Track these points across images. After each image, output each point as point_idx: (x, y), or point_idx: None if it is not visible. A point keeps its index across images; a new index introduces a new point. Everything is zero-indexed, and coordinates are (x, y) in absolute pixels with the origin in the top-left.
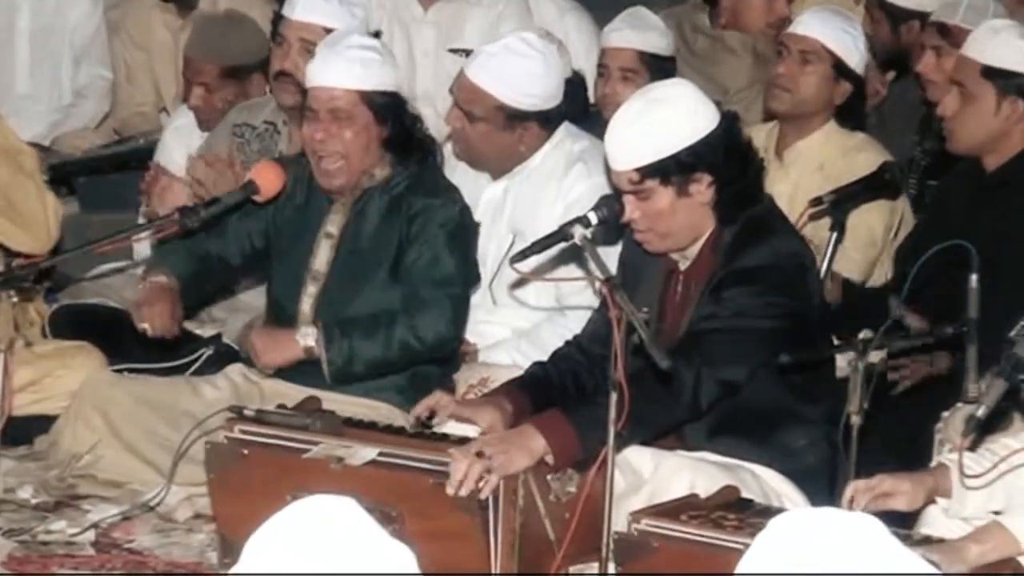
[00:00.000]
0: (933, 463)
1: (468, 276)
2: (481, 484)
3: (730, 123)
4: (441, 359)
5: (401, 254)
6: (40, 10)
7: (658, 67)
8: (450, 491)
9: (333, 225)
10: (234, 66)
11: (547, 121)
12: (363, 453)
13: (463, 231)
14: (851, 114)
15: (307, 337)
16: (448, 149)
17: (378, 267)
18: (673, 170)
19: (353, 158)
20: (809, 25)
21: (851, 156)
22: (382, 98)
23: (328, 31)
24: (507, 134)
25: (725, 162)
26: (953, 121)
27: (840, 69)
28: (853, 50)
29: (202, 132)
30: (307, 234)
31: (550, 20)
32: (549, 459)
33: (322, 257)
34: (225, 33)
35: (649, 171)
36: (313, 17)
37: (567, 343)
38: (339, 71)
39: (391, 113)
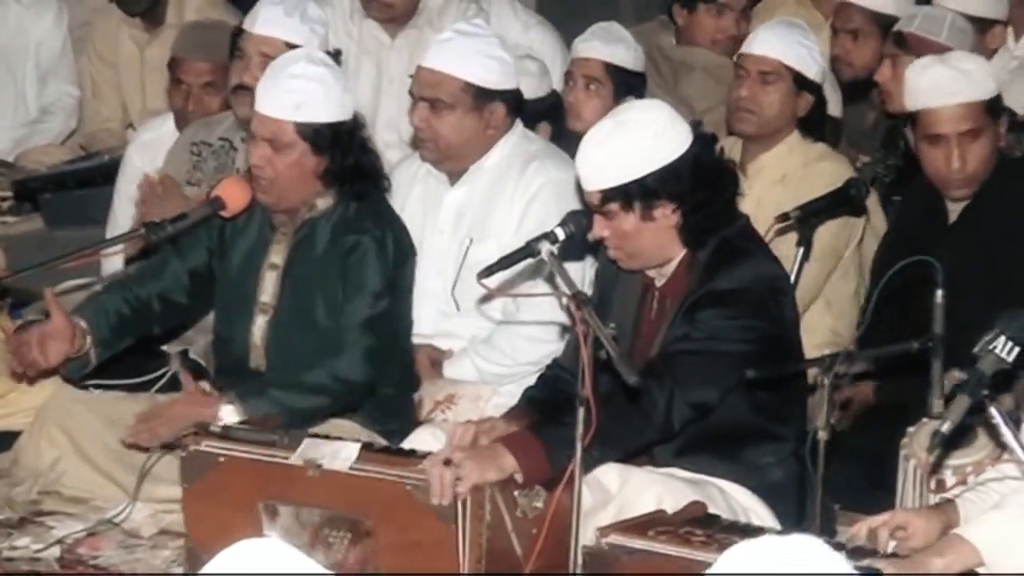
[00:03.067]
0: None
1: (395, 317)
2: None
3: (701, 147)
4: (399, 383)
5: (339, 287)
6: (1, 26)
7: (624, 80)
8: (435, 501)
9: (277, 256)
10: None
11: (512, 106)
12: (345, 453)
13: (397, 267)
14: (813, 124)
15: (228, 416)
16: (397, 174)
17: (324, 298)
18: (635, 195)
19: (283, 184)
20: (765, 43)
21: (812, 166)
22: (320, 131)
23: (290, 46)
24: (475, 117)
25: (691, 189)
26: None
27: (800, 82)
28: (811, 61)
29: (178, 131)
30: (252, 265)
31: (514, 35)
32: (518, 477)
33: (268, 289)
34: (217, 31)
35: (611, 194)
36: (275, 31)
37: (550, 366)
38: (277, 102)
39: (330, 145)
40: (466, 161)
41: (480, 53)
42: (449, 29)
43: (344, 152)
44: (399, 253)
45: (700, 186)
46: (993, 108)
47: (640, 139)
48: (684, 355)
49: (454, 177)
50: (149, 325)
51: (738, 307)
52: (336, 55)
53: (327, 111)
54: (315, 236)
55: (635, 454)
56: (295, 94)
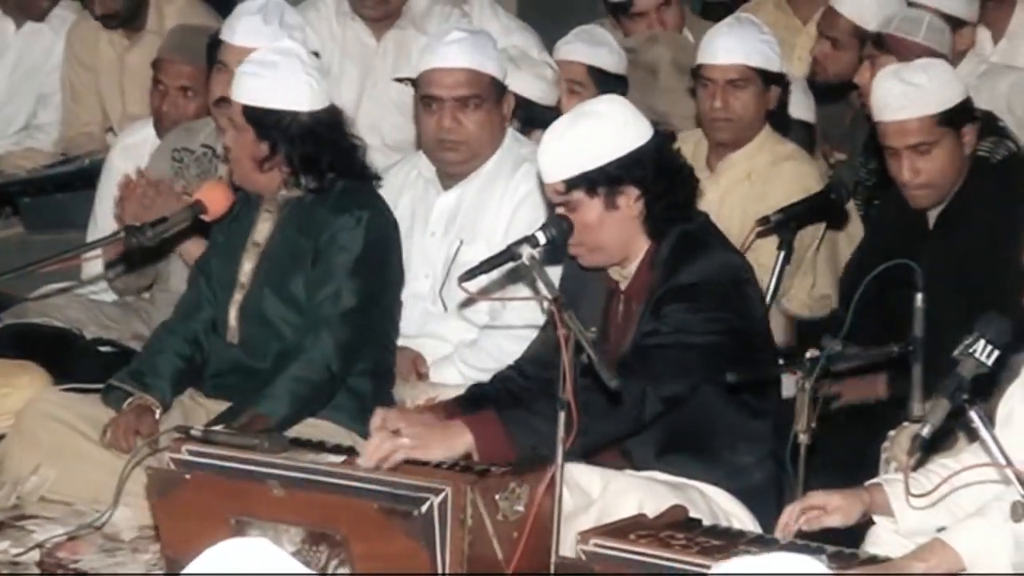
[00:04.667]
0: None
1: (371, 300)
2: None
3: (662, 140)
4: (374, 374)
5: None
6: (32, 47)
7: (606, 83)
8: (360, 462)
9: (260, 235)
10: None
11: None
12: (331, 460)
13: (372, 250)
14: (780, 113)
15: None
16: (385, 180)
17: (292, 275)
18: (599, 182)
19: (240, 167)
20: (727, 51)
21: (778, 165)
22: (265, 115)
23: None
24: (498, 109)
25: (654, 177)
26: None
27: (767, 78)
28: (772, 55)
29: (159, 138)
30: (237, 245)
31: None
32: (476, 455)
33: (247, 266)
34: (202, 36)
35: (575, 182)
36: (255, 42)
37: (509, 367)
38: (235, 83)
39: (274, 132)
40: (483, 159)
41: (492, 48)
42: (454, 30)
43: (290, 141)
44: (378, 236)
45: (662, 175)
46: (952, 118)
47: (602, 128)
48: (654, 349)
49: (449, 181)
50: (204, 365)
51: (703, 300)
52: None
53: (272, 97)
54: (293, 216)
55: (605, 447)
56: (249, 77)
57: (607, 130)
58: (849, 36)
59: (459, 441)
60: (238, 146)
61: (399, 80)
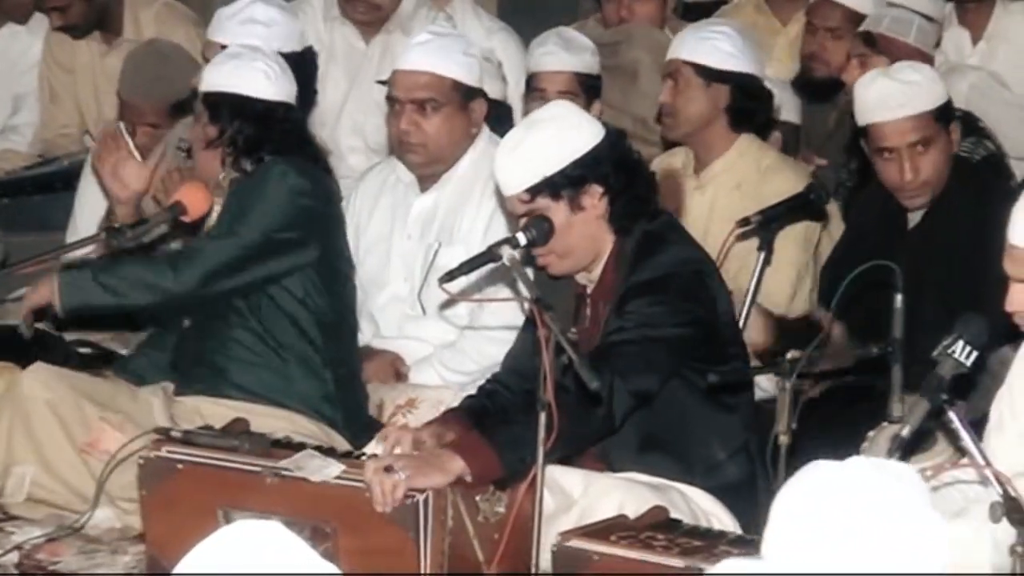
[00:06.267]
0: None
1: (269, 241)
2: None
3: (615, 138)
4: (333, 361)
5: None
6: (6, 53)
7: (590, 86)
8: (378, 508)
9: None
10: (178, 101)
11: (486, 97)
12: (328, 470)
13: (287, 195)
14: (743, 115)
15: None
16: (365, 182)
17: None
18: (562, 184)
19: (196, 151)
20: (673, 46)
21: (768, 176)
22: (215, 98)
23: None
24: (462, 115)
25: (614, 173)
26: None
27: (706, 74)
28: (713, 51)
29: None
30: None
31: (477, 40)
32: (468, 479)
33: None
34: (160, 70)
35: (538, 188)
36: (254, 43)
37: (490, 380)
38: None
39: (223, 113)
40: (449, 162)
41: (460, 52)
42: (422, 31)
43: (237, 123)
44: (296, 187)
45: (621, 170)
46: (943, 115)
47: (555, 133)
48: (620, 345)
49: (426, 184)
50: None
51: (665, 292)
52: (309, 52)
53: (225, 81)
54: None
55: (582, 450)
56: (208, 67)
57: (561, 133)
58: (846, 23)
59: (453, 466)
60: (194, 133)
61: (381, 82)
